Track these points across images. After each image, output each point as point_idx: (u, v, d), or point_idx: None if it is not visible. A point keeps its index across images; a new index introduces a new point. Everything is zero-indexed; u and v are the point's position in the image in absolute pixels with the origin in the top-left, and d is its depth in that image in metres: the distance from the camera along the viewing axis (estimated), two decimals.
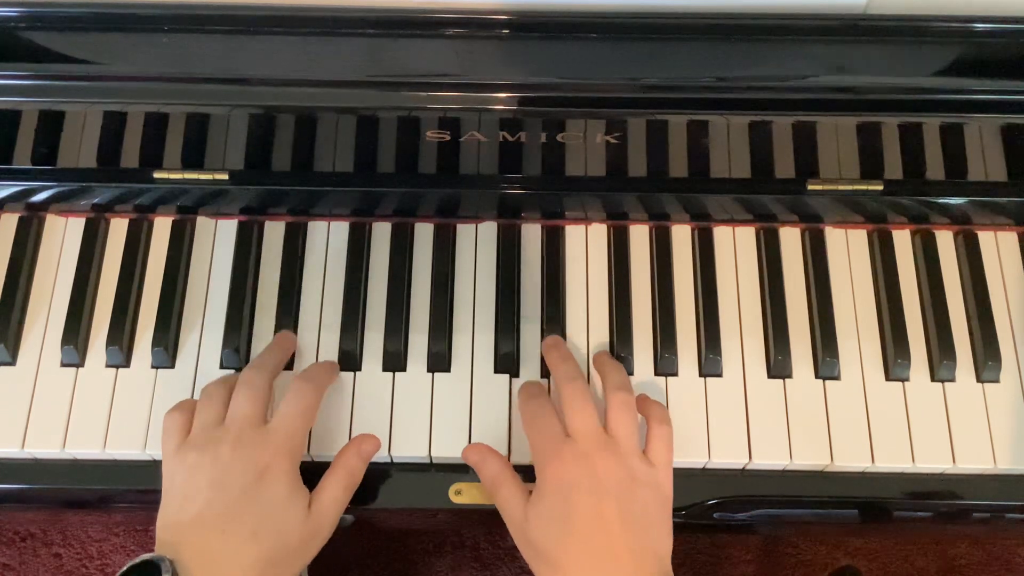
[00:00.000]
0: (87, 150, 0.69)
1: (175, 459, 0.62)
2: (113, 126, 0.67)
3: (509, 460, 0.67)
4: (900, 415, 0.69)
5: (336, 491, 0.64)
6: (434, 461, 0.69)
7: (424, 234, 0.75)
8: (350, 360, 0.70)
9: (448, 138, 0.67)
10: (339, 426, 0.68)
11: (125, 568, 0.57)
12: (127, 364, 0.71)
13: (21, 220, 0.74)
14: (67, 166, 0.71)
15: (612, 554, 0.59)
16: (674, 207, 0.74)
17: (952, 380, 0.70)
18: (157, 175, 0.71)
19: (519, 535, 0.62)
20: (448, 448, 0.68)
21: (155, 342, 0.70)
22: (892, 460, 0.68)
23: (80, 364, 0.70)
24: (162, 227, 0.75)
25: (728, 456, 0.68)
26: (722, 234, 0.75)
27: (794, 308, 0.72)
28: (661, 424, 0.65)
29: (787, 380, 0.70)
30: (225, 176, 0.71)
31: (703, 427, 0.69)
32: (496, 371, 0.70)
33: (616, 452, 0.62)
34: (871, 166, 0.70)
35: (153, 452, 0.68)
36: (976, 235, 0.75)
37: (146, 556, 0.57)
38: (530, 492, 0.63)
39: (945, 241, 0.75)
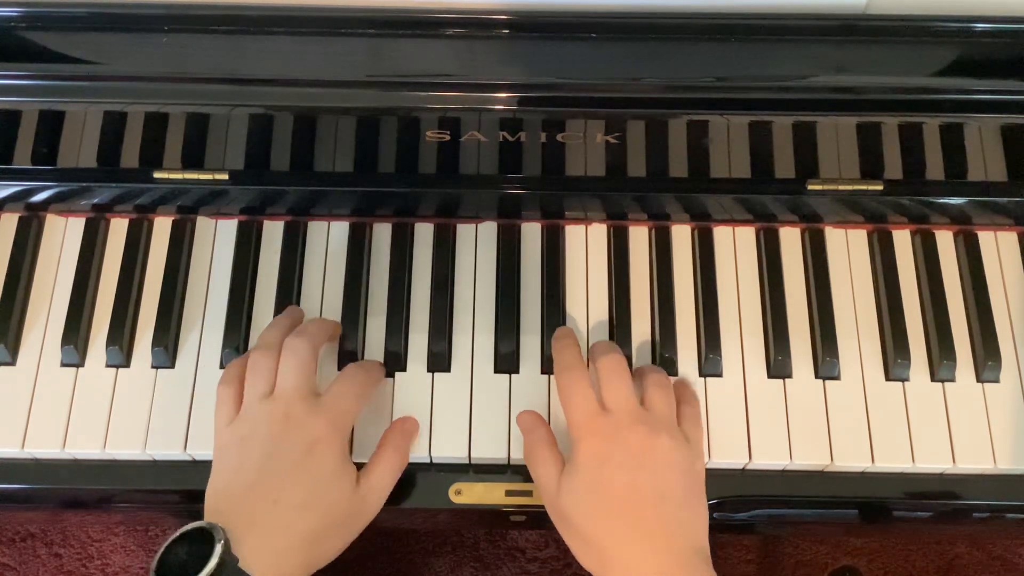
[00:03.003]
0: (87, 150, 0.69)
1: (226, 432, 0.63)
2: (113, 126, 0.67)
3: (509, 459, 0.68)
4: (900, 415, 0.69)
5: (384, 471, 0.65)
6: (434, 461, 0.69)
7: (424, 234, 0.75)
8: (350, 360, 0.70)
9: (448, 138, 0.67)
10: None
11: (177, 534, 0.57)
12: (127, 364, 0.71)
13: (21, 220, 0.74)
14: (67, 166, 0.71)
15: (645, 528, 0.59)
16: (674, 207, 0.74)
17: (952, 380, 0.70)
18: (157, 175, 0.71)
19: (552, 506, 0.63)
20: (448, 448, 0.68)
21: (155, 342, 0.70)
22: (892, 460, 0.68)
23: (80, 364, 0.70)
24: (162, 227, 0.75)
25: (728, 456, 0.68)
26: (722, 234, 0.75)
27: (794, 308, 0.72)
28: (692, 402, 0.66)
29: (787, 380, 0.70)
30: (225, 176, 0.71)
31: (703, 427, 0.69)
32: (496, 371, 0.70)
33: (652, 427, 0.62)
34: (871, 166, 0.70)
35: (153, 452, 0.68)
36: (976, 235, 0.75)
37: (199, 523, 0.57)
38: (564, 464, 0.63)
39: (945, 241, 0.75)
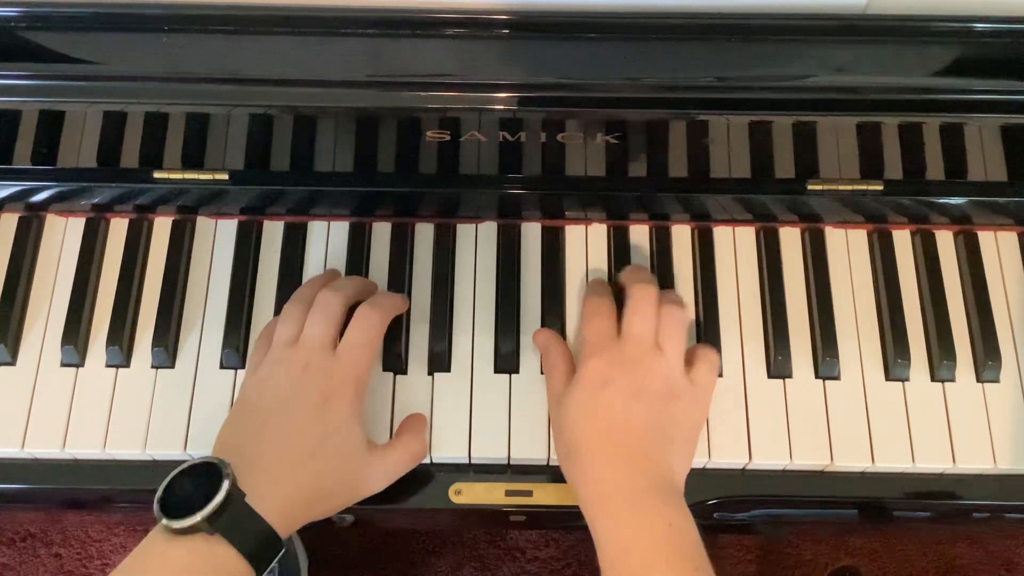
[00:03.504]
0: (87, 150, 0.69)
1: (251, 374, 0.65)
2: (113, 126, 0.67)
3: (510, 459, 0.68)
4: (900, 415, 0.69)
5: (402, 453, 0.65)
6: (434, 461, 0.69)
7: (424, 234, 0.75)
8: None
9: (448, 138, 0.67)
10: None
11: (182, 467, 0.57)
12: (127, 364, 0.71)
13: (21, 220, 0.74)
14: (67, 166, 0.71)
15: (628, 454, 0.61)
16: (674, 207, 0.74)
17: (952, 380, 0.70)
18: (157, 175, 0.71)
19: (553, 413, 0.66)
20: (448, 448, 0.68)
21: (155, 342, 0.70)
22: (892, 460, 0.68)
23: (80, 364, 0.70)
24: (162, 227, 0.75)
25: (728, 456, 0.68)
26: (722, 234, 0.75)
27: (794, 308, 0.72)
28: (710, 349, 0.68)
29: (787, 380, 0.70)
30: (225, 176, 0.71)
31: (703, 427, 0.69)
32: (496, 371, 0.70)
33: (661, 363, 0.63)
34: (871, 166, 0.70)
35: (153, 452, 0.68)
36: (976, 235, 0.75)
37: (205, 457, 0.58)
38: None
39: (945, 241, 0.75)
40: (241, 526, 0.56)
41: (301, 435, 0.60)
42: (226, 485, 0.55)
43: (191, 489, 0.56)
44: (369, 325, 0.65)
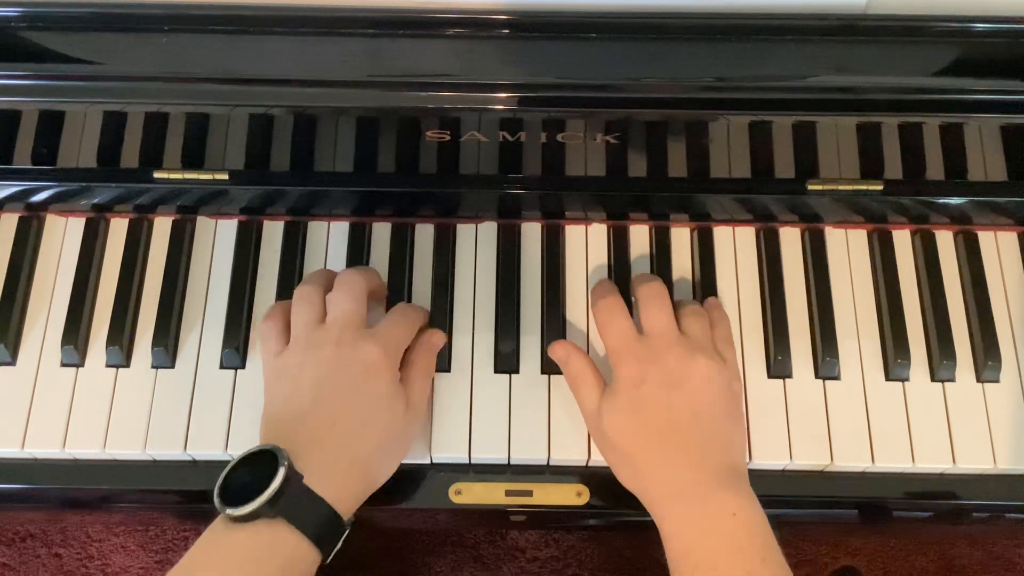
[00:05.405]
0: (87, 150, 0.69)
1: (276, 363, 0.64)
2: (113, 126, 0.67)
3: (510, 459, 0.68)
4: (900, 415, 0.69)
5: (423, 383, 0.66)
6: (434, 461, 0.69)
7: (424, 234, 0.75)
8: None
9: (448, 138, 0.67)
10: None
11: (238, 458, 0.57)
12: (127, 364, 0.71)
13: (21, 220, 0.74)
14: (67, 166, 0.71)
15: (681, 445, 0.61)
16: (674, 207, 0.74)
17: (952, 380, 0.70)
18: (157, 175, 0.71)
19: (593, 427, 0.65)
20: (448, 449, 0.68)
21: (155, 342, 0.70)
22: (892, 460, 0.68)
23: (80, 364, 0.70)
24: (162, 227, 0.75)
25: None
26: (722, 234, 0.75)
27: (794, 308, 0.72)
28: (723, 323, 0.68)
29: (787, 380, 0.70)
30: (225, 176, 0.71)
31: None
32: (496, 371, 0.70)
33: (689, 348, 0.64)
34: (871, 166, 0.70)
35: (153, 452, 0.68)
36: (976, 235, 0.75)
37: (260, 445, 0.58)
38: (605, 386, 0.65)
39: (945, 241, 0.75)
40: (302, 507, 0.56)
41: (349, 412, 0.61)
42: (283, 469, 0.55)
43: (249, 478, 0.56)
44: (406, 316, 0.66)
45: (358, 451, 0.60)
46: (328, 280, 0.68)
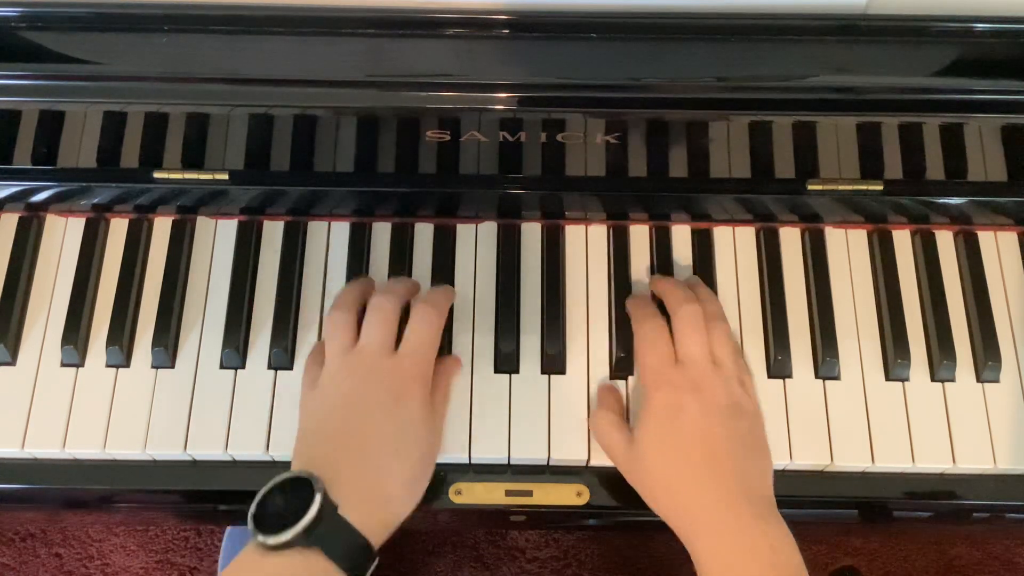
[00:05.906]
0: (87, 150, 0.69)
1: (311, 393, 0.65)
2: (113, 126, 0.67)
3: (510, 459, 0.68)
4: (900, 415, 0.69)
5: (444, 408, 0.67)
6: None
7: (424, 234, 0.75)
8: None
9: (448, 138, 0.67)
10: None
11: (271, 484, 0.57)
12: (127, 364, 0.71)
13: (21, 220, 0.74)
14: (67, 166, 0.71)
15: (719, 474, 0.61)
16: (674, 207, 0.74)
17: (952, 380, 0.70)
18: (157, 175, 0.71)
19: (625, 459, 0.65)
20: (448, 448, 0.68)
21: (155, 342, 0.70)
22: (892, 460, 0.68)
23: (80, 364, 0.70)
24: (162, 227, 0.75)
25: None
26: (722, 234, 0.75)
27: (794, 308, 0.72)
28: (739, 354, 0.68)
29: (787, 380, 0.70)
30: (225, 176, 0.71)
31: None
32: (496, 371, 0.70)
33: (723, 379, 0.64)
34: (871, 166, 0.70)
35: (153, 452, 0.68)
36: (976, 235, 0.75)
37: (294, 472, 0.58)
38: (629, 422, 0.66)
39: (945, 241, 0.75)
40: (337, 537, 0.56)
41: (381, 438, 0.61)
42: (319, 498, 0.55)
43: (283, 505, 0.56)
44: (428, 323, 0.66)
45: (390, 480, 0.60)
46: (365, 292, 0.68)
